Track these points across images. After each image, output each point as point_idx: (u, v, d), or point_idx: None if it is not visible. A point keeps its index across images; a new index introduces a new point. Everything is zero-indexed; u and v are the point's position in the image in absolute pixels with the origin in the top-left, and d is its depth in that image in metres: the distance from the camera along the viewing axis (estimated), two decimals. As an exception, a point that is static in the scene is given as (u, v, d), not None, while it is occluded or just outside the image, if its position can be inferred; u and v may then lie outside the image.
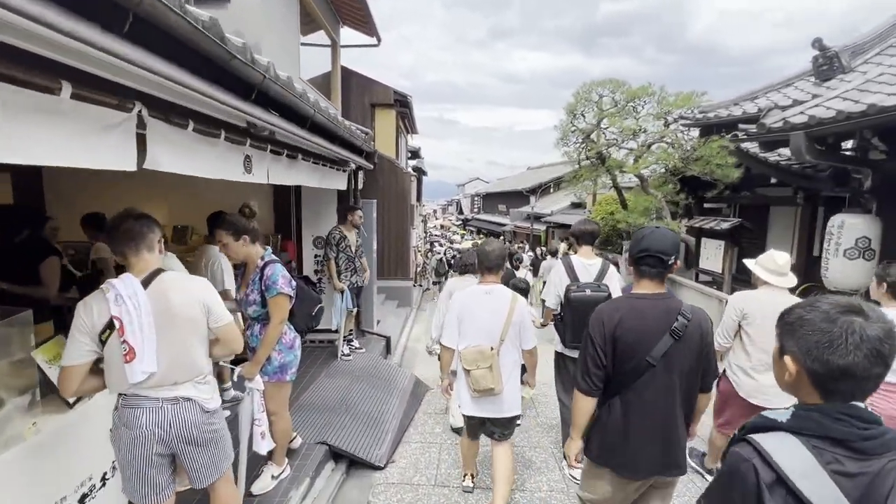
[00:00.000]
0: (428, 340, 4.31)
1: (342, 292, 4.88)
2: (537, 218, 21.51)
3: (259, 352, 2.52)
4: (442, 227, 38.88)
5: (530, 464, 3.58)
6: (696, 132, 9.32)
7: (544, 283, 4.33)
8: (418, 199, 12.85)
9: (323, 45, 9.51)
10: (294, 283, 2.65)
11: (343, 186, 5.05)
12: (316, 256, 5.78)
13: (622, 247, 13.07)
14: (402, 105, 11.41)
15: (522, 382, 2.79)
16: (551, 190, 26.86)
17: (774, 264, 2.75)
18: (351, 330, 5.21)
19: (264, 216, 5.66)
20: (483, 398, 2.59)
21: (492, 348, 2.53)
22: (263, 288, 2.52)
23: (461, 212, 45.19)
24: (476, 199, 38.98)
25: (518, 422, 2.93)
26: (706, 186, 10.10)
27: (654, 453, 1.78)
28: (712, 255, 7.62)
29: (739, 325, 2.79)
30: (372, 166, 5.55)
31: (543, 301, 3.50)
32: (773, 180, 8.80)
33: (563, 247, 10.57)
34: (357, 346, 5.35)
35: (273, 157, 2.84)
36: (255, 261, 2.62)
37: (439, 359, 2.83)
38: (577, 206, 20.59)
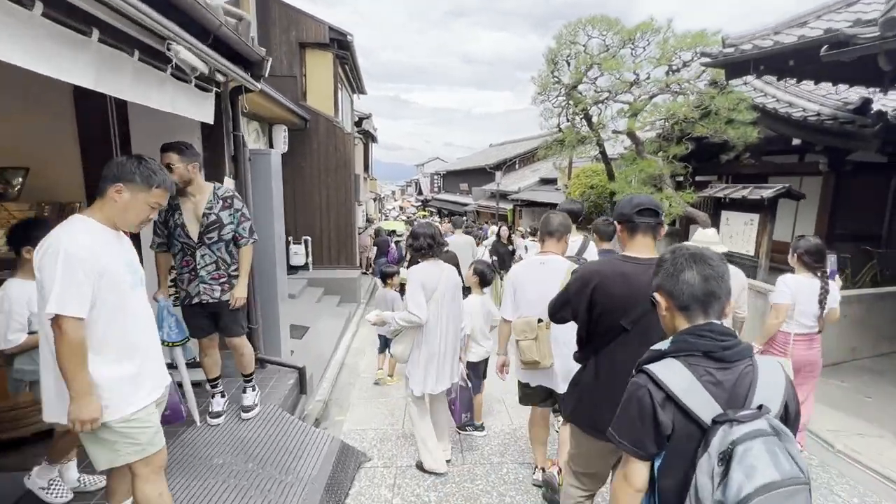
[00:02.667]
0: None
1: (170, 310, 2.71)
2: (503, 196, 19.68)
3: None
4: (401, 208, 37.06)
5: None
6: (701, 84, 7.62)
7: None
8: (366, 169, 10.52)
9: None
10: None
11: (203, 115, 2.80)
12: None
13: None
14: (340, 47, 8.98)
15: None
16: (517, 166, 25.10)
17: (710, 237, 3.27)
18: (217, 378, 2.98)
19: (66, 178, 3.30)
20: (530, 370, 2.52)
21: (540, 320, 2.40)
22: None
23: (420, 192, 42.95)
24: (436, 177, 36.74)
25: None
26: (709, 151, 8.55)
27: None
28: (739, 233, 5.97)
29: None
30: (258, 85, 3.29)
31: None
32: (791, 143, 7.32)
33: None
34: (249, 403, 3.08)
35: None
36: None
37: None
38: (547, 181, 18.91)
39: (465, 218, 8.14)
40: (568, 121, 9.54)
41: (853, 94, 7.37)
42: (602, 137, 9.02)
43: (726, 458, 0.97)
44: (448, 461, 3.07)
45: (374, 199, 18.53)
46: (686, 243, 1.19)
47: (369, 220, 9.95)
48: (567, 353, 2.21)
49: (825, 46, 3.74)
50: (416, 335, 2.82)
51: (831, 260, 3.22)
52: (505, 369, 2.73)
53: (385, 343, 4.58)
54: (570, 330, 2.11)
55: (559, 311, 1.98)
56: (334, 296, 8.39)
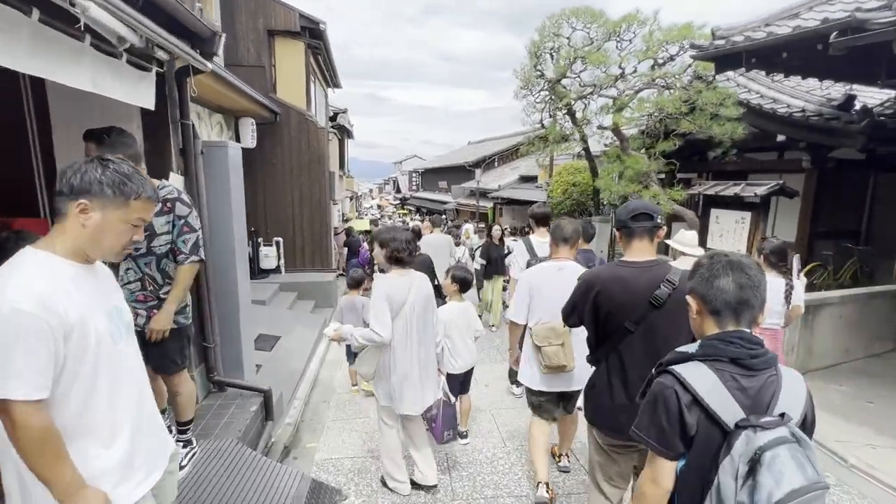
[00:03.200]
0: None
1: None
2: (483, 194, 19.41)
3: None
4: (379, 206, 36.65)
5: None
6: (685, 78, 7.46)
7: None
8: (342, 166, 10.02)
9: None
10: None
11: (141, 99, 2.34)
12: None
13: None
14: (312, 35, 8.46)
15: None
16: (496, 164, 24.89)
17: (688, 240, 3.35)
18: (187, 423, 2.48)
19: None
20: (553, 375, 2.53)
21: (564, 325, 2.33)
22: None
23: (399, 190, 42.35)
24: (414, 175, 36.22)
25: None
26: (692, 148, 8.42)
27: (634, 415, 1.42)
28: (729, 232, 5.80)
29: None
30: (209, 64, 2.81)
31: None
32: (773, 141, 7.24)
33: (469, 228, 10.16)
34: (185, 444, 2.49)
35: None
36: None
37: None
38: (528, 179, 18.72)
39: (444, 216, 7.77)
40: (551, 116, 9.29)
41: (835, 90, 7.35)
42: (586, 133, 8.80)
43: (753, 463, 1.00)
44: (433, 486, 2.75)
45: (351, 198, 17.97)
46: (717, 251, 1.29)
47: (346, 220, 9.46)
48: (583, 351, 2.25)
49: (835, 33, 3.52)
50: (382, 355, 2.54)
51: (795, 259, 3.50)
52: (517, 362, 2.77)
53: (353, 355, 4.17)
54: (584, 332, 2.21)
55: (569, 316, 2.05)
56: (308, 301, 7.90)
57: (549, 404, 2.65)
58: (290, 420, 3.68)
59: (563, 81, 8.27)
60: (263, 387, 3.29)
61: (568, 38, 7.90)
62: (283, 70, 8.44)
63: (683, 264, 3.16)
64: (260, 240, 8.33)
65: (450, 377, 3.08)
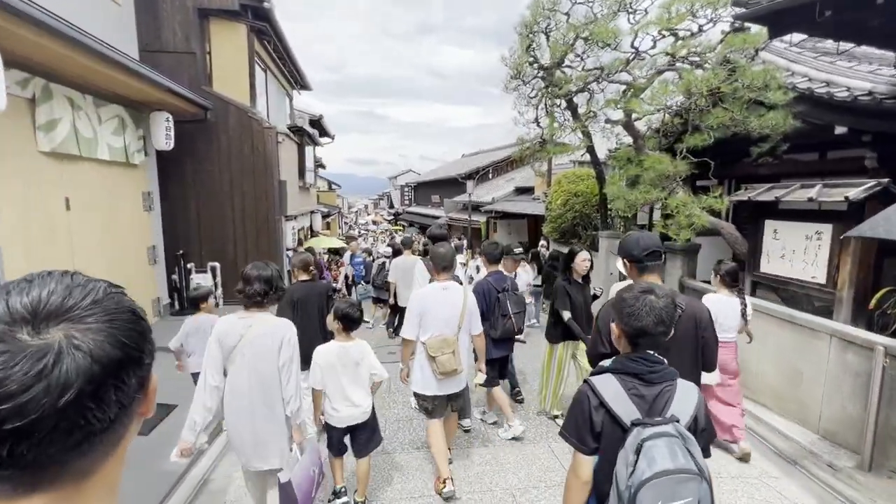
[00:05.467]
0: None
1: None
2: (476, 208, 17.87)
3: None
4: (374, 222, 36.12)
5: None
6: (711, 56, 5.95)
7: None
8: (302, 175, 8.47)
9: None
10: None
11: None
12: None
13: (594, 239, 9.70)
14: (256, 16, 6.98)
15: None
16: (490, 175, 23.44)
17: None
18: None
19: None
20: (447, 379, 2.91)
21: (454, 336, 2.88)
22: None
23: (392, 205, 40.99)
24: (406, 189, 34.79)
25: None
26: (715, 150, 6.88)
27: None
28: (796, 252, 4.20)
29: None
30: None
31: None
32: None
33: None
34: None
35: None
36: None
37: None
38: (524, 190, 17.22)
39: (412, 238, 6.28)
40: (547, 112, 7.78)
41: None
42: (590, 132, 7.26)
43: (637, 452, 1.23)
44: None
45: (327, 214, 16.41)
46: (641, 284, 1.50)
47: (305, 238, 7.85)
48: (466, 357, 2.99)
49: None
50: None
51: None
52: (407, 376, 3.08)
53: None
54: (467, 338, 3.02)
55: (596, 349, 2.01)
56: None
57: (441, 407, 3.04)
58: None
59: (562, 67, 6.76)
60: None
61: (567, 13, 6.43)
62: (221, 58, 6.94)
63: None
64: (190, 265, 6.72)
65: (329, 429, 2.79)
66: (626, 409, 1.32)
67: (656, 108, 5.77)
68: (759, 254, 4.70)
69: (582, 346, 3.79)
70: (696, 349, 2.05)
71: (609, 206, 8.33)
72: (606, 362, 1.47)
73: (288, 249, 7.53)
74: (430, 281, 3.46)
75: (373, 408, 2.81)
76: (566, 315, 3.67)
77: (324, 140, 16.33)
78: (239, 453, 2.37)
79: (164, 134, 5.68)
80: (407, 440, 3.74)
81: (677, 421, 1.29)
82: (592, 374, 1.45)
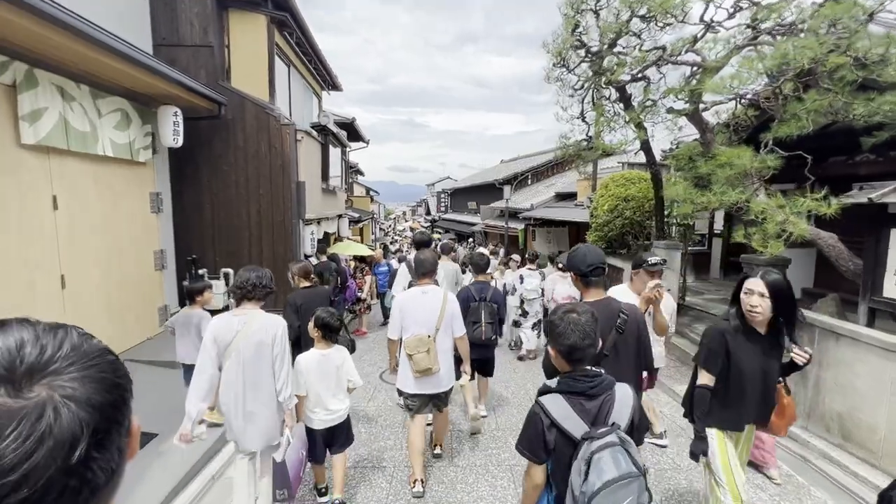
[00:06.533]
0: None
1: None
2: (513, 214, 16.96)
3: None
4: (412, 229, 36.66)
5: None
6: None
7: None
8: (325, 177, 7.97)
9: None
10: None
11: None
12: None
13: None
14: (277, 6, 6.54)
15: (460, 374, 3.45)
16: (529, 181, 22.44)
17: (620, 292, 3.39)
18: None
19: None
20: (423, 378, 3.09)
21: (429, 336, 3.06)
22: None
23: (428, 212, 40.67)
24: (443, 196, 34.25)
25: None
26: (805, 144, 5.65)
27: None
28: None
29: None
30: None
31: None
32: None
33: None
34: None
35: None
36: None
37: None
38: (565, 196, 16.17)
39: (425, 235, 5.65)
40: (594, 105, 6.87)
41: None
42: (644, 125, 6.27)
43: (588, 464, 1.43)
44: None
45: (358, 220, 16.01)
46: (567, 305, 1.71)
47: (321, 245, 7.31)
48: (446, 358, 3.18)
49: None
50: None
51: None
52: (396, 368, 3.29)
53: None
54: (448, 340, 3.18)
55: (549, 363, 2.08)
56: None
57: (423, 406, 3.25)
58: None
59: (614, 51, 5.84)
60: None
61: (620, -12, 5.53)
62: (241, 52, 6.54)
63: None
64: (203, 270, 6.30)
65: (309, 432, 2.93)
66: (575, 425, 1.53)
67: (733, 91, 4.75)
68: (881, 273, 3.61)
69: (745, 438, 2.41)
70: (640, 350, 2.19)
71: (666, 212, 7.26)
72: (552, 382, 1.64)
73: (307, 256, 6.99)
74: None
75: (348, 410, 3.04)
76: (703, 378, 2.31)
77: (357, 145, 16.01)
78: (232, 437, 2.55)
79: (171, 130, 5.26)
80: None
81: (619, 427, 1.52)
82: (540, 393, 1.64)
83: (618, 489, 1.38)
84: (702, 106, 5.46)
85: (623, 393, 1.59)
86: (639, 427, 1.62)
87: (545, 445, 1.55)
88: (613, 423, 1.50)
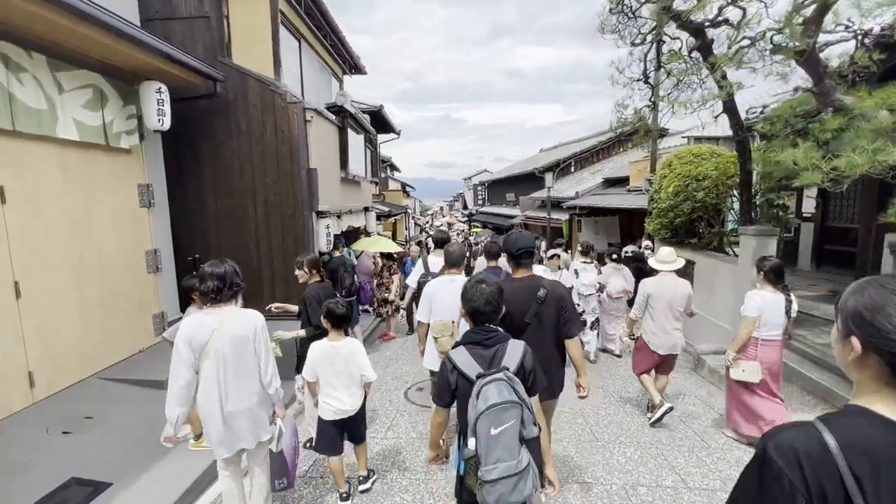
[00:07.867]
0: None
1: None
2: (556, 204, 15.58)
3: None
4: (449, 224, 36.16)
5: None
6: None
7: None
8: (344, 165, 7.11)
9: None
10: None
11: None
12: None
13: (721, 237, 7.14)
14: (278, -34, 5.69)
15: None
16: (572, 169, 20.86)
17: (665, 256, 4.11)
18: None
19: None
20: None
21: (453, 321, 3.21)
22: None
23: (465, 206, 39.66)
24: (480, 188, 33.06)
25: None
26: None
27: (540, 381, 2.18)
28: None
29: (647, 303, 4.05)
30: None
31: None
32: None
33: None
34: None
35: None
36: None
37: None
38: (615, 182, 14.63)
39: (444, 234, 4.84)
40: (659, 63, 5.57)
41: None
42: (729, 80, 4.91)
43: (478, 395, 1.75)
44: None
45: (388, 215, 15.17)
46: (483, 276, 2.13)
47: (335, 242, 6.45)
48: None
49: None
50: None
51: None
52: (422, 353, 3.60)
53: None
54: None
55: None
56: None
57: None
58: None
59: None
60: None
61: None
62: (242, 22, 5.74)
63: (661, 279, 4.06)
64: (206, 273, 5.59)
65: (322, 426, 2.96)
66: (472, 368, 1.87)
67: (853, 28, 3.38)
68: None
69: None
70: (558, 324, 2.56)
71: (755, 191, 5.84)
72: (460, 337, 2.07)
73: (322, 253, 6.16)
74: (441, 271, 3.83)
75: (363, 402, 3.05)
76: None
77: (386, 136, 15.19)
78: (215, 442, 2.44)
79: (155, 109, 4.52)
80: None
81: (507, 369, 1.84)
82: (451, 348, 2.01)
83: (500, 412, 1.74)
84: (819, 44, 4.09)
85: (515, 345, 1.96)
86: (531, 374, 1.94)
87: (449, 386, 1.93)
88: (504, 367, 1.86)
